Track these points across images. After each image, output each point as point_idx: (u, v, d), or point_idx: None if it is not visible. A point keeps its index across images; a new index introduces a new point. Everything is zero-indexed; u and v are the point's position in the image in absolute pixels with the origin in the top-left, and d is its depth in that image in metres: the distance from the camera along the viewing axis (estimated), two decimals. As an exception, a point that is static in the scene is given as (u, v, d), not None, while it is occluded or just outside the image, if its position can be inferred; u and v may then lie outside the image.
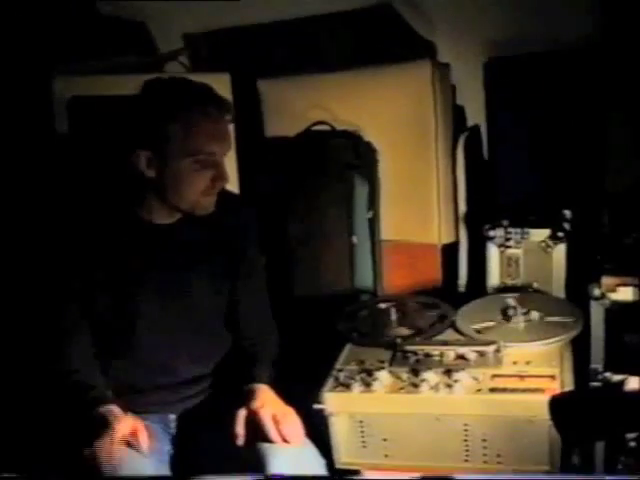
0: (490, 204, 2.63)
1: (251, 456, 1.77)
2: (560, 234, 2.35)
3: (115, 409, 1.82)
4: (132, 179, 1.87)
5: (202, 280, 1.95)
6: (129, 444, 1.76)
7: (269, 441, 1.77)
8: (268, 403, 1.83)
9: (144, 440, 1.77)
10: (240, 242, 2.00)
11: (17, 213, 2.40)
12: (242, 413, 1.81)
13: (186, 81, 1.88)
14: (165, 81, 1.90)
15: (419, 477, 1.56)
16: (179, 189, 1.84)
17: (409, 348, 2.00)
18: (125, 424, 1.78)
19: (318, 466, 1.82)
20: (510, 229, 2.39)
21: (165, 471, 1.87)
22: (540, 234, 2.37)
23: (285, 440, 1.77)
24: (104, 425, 1.77)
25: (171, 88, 1.85)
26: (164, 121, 1.79)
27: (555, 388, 1.83)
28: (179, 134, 1.79)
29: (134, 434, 1.77)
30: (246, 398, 1.84)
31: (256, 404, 1.82)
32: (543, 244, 2.37)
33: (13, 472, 1.63)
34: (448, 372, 1.90)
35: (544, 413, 1.79)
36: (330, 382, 1.94)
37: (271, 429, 1.77)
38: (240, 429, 1.80)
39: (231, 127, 1.88)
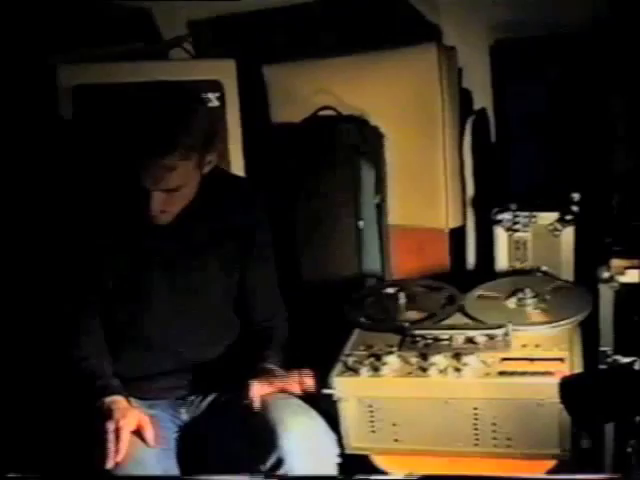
0: (498, 188, 2.62)
1: (262, 434, 1.78)
2: (568, 217, 2.34)
3: (121, 400, 1.82)
4: None
5: (212, 263, 1.96)
6: (133, 435, 1.77)
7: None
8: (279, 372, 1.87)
9: (149, 433, 1.78)
10: (249, 225, 2.00)
11: (26, 203, 2.41)
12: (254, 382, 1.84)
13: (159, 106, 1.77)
14: (142, 96, 1.83)
15: (418, 477, 1.57)
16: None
17: (418, 332, 1.99)
18: (130, 417, 1.78)
19: (329, 441, 1.84)
20: (518, 212, 2.38)
21: (170, 461, 1.87)
22: (548, 217, 2.36)
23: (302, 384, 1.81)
24: (109, 417, 1.77)
25: (138, 108, 1.79)
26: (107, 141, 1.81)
27: (564, 371, 1.82)
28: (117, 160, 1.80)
29: (139, 427, 1.78)
30: (257, 374, 1.87)
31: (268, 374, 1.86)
32: (551, 227, 2.36)
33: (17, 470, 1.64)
34: (457, 356, 1.89)
35: (554, 396, 1.78)
36: (339, 367, 1.93)
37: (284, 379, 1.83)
38: (254, 393, 1.82)
39: (175, 167, 1.76)
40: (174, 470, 1.85)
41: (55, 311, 1.97)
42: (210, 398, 1.98)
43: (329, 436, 1.85)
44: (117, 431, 1.74)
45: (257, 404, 1.81)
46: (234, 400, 1.87)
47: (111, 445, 1.72)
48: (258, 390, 1.83)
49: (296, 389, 1.86)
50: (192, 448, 1.92)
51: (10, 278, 2.41)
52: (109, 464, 1.70)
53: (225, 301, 2.01)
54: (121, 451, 1.72)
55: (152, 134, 1.73)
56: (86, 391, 1.86)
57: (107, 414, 1.78)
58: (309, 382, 1.83)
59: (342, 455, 1.87)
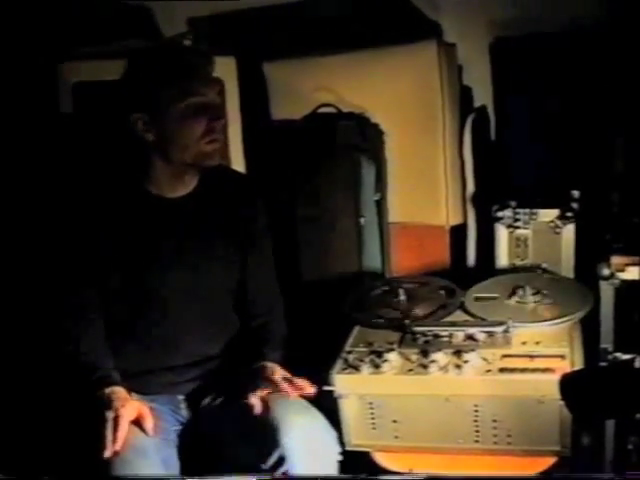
0: (498, 185, 2.62)
1: (264, 432, 1.78)
2: (569, 214, 2.34)
3: (120, 391, 1.83)
4: (136, 151, 1.89)
5: (211, 256, 1.96)
6: (133, 425, 1.77)
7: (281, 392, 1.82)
8: (279, 370, 1.87)
9: (149, 423, 1.79)
10: (248, 219, 2.00)
11: (28, 194, 2.41)
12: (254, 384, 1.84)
13: (166, 46, 2.13)
14: (147, 49, 2.01)
15: (424, 476, 1.57)
16: (180, 139, 1.85)
17: (418, 329, 1.99)
18: (130, 407, 1.79)
19: (330, 439, 1.84)
20: (518, 210, 2.38)
21: (170, 450, 1.87)
22: (549, 214, 2.37)
23: (299, 389, 1.80)
24: (108, 407, 1.78)
25: (152, 53, 1.92)
26: (151, 81, 1.82)
27: (565, 368, 1.83)
28: (166, 86, 1.82)
29: (139, 417, 1.79)
30: (257, 373, 1.87)
31: (268, 372, 1.86)
32: (552, 224, 2.36)
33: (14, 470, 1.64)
34: (457, 353, 1.90)
35: (554, 393, 1.78)
36: (339, 364, 1.94)
37: (283, 384, 1.82)
38: (255, 399, 1.82)
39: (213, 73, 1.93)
40: (174, 460, 1.86)
41: (57, 304, 1.97)
42: (211, 395, 1.98)
43: (330, 434, 1.84)
44: (116, 419, 1.75)
45: (258, 409, 1.81)
46: (235, 398, 1.87)
47: (109, 433, 1.73)
48: (258, 394, 1.83)
49: (293, 394, 1.84)
50: (192, 444, 1.92)
51: (11, 271, 2.41)
52: (107, 452, 1.70)
53: (225, 294, 2.01)
54: (120, 439, 1.72)
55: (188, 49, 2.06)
56: (86, 383, 1.86)
57: (107, 404, 1.79)
58: (306, 388, 1.83)
59: (343, 452, 1.86)
